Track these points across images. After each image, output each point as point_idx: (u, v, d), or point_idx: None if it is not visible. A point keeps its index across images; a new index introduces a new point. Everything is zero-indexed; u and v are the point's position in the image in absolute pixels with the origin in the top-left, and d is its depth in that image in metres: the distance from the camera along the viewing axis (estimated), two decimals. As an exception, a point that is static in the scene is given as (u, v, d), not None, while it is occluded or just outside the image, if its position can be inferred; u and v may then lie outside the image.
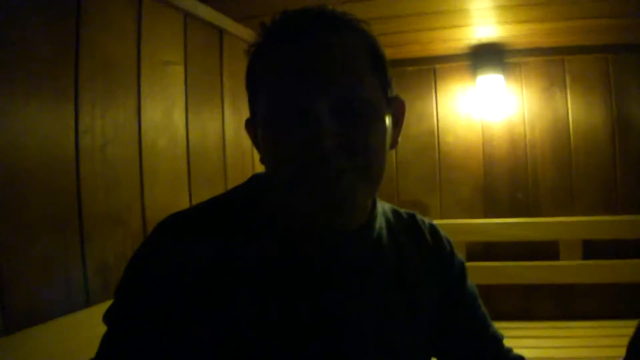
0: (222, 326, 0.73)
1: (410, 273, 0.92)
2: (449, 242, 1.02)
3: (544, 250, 3.21)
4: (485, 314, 1.03)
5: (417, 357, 0.91)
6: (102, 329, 1.44)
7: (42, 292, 1.37)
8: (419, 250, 0.96)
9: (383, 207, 0.97)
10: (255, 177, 0.91)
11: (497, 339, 1.02)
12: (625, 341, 2.94)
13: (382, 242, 0.90)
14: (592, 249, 3.15)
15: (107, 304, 1.49)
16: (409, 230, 0.98)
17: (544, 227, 3.20)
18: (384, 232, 0.92)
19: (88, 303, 1.50)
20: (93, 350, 1.43)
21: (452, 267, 1.00)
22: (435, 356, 1.02)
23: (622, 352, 2.70)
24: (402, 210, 1.02)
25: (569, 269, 3.13)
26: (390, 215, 0.98)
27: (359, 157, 0.73)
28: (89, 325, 1.44)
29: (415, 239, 0.97)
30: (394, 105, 0.84)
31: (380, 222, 0.91)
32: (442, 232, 1.03)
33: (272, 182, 0.81)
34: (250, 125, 0.86)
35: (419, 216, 1.02)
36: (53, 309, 1.39)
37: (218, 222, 0.79)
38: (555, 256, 3.18)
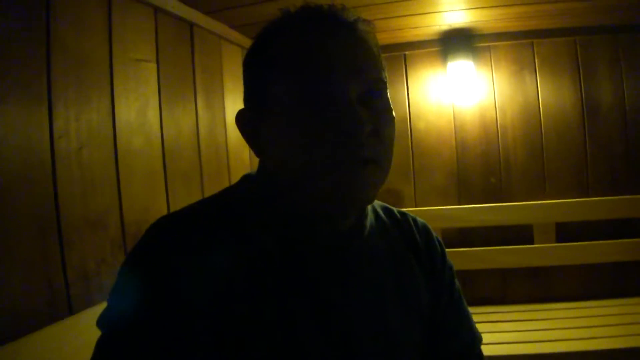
0: (220, 327, 0.72)
1: (402, 271, 0.93)
2: (440, 244, 1.03)
3: (518, 234, 3.26)
4: (469, 315, 1.03)
5: (412, 353, 0.91)
6: (87, 337, 1.41)
7: (24, 303, 1.33)
8: (411, 249, 0.97)
9: (374, 204, 0.98)
10: (247, 178, 0.90)
11: (477, 340, 1.02)
12: (599, 321, 3.02)
13: (374, 239, 0.91)
14: (565, 232, 3.21)
15: (90, 311, 1.47)
16: (402, 229, 0.98)
17: (518, 212, 3.24)
18: (376, 229, 0.93)
19: (71, 311, 1.46)
20: (79, 360, 1.40)
21: (444, 270, 1.00)
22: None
23: (596, 332, 2.77)
24: (395, 209, 1.03)
25: (543, 252, 3.18)
26: (381, 212, 0.99)
27: (382, 149, 0.76)
28: (74, 334, 1.42)
29: (407, 239, 0.98)
30: None
31: (370, 220, 0.92)
32: (434, 234, 1.03)
33: (279, 173, 0.80)
34: (244, 117, 0.84)
35: (411, 216, 1.03)
36: (36, 319, 1.35)
37: (213, 223, 0.77)
38: (529, 240, 3.23)
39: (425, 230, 1.02)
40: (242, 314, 0.73)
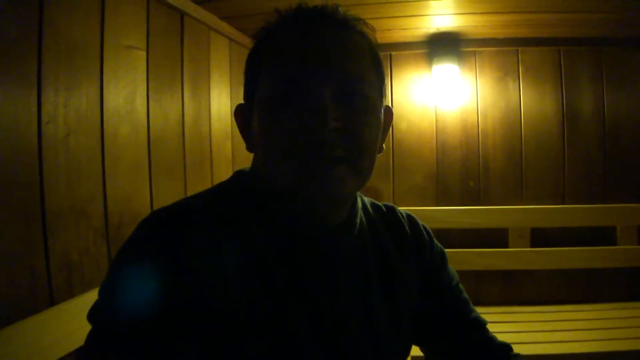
0: (215, 323, 0.72)
1: (391, 266, 0.95)
2: (427, 231, 1.06)
3: (494, 237, 3.31)
4: (466, 299, 1.07)
5: (398, 346, 0.94)
6: (68, 328, 1.40)
7: (5, 293, 1.29)
8: (400, 242, 0.99)
9: (363, 201, 1.00)
10: (239, 173, 0.91)
11: (480, 324, 1.05)
12: (570, 325, 3.06)
13: (363, 237, 0.93)
14: (540, 237, 3.27)
15: (72, 303, 1.45)
16: (390, 223, 1.01)
17: (494, 215, 3.29)
18: (365, 226, 0.95)
19: (52, 302, 1.43)
20: (59, 351, 1.38)
21: (432, 255, 1.04)
22: (420, 343, 1.07)
23: (566, 335, 2.82)
24: (381, 204, 1.05)
25: (517, 256, 3.23)
26: (370, 209, 1.01)
27: (354, 148, 0.76)
28: (55, 325, 1.39)
29: (395, 232, 1.00)
30: (385, 112, 0.88)
31: (360, 217, 0.94)
32: (420, 222, 1.07)
33: (262, 167, 0.82)
34: (242, 112, 0.87)
35: (398, 209, 1.06)
36: (17, 310, 1.32)
37: (205, 218, 0.77)
38: (504, 243, 3.28)
39: (410, 219, 1.05)
40: (235, 311, 0.73)
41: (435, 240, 1.06)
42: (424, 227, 1.06)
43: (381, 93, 0.85)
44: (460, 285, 1.07)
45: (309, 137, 0.73)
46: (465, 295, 1.07)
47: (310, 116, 0.72)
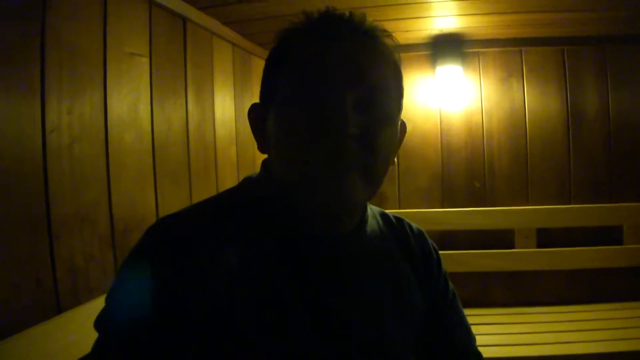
0: (220, 329, 0.72)
1: (398, 279, 0.95)
2: (435, 250, 1.05)
3: (500, 238, 3.30)
4: (464, 316, 1.07)
5: (405, 355, 0.94)
6: (75, 336, 1.40)
7: (12, 301, 1.30)
8: (407, 256, 0.99)
9: (372, 210, 0.99)
10: (247, 179, 0.91)
11: (474, 339, 1.06)
12: (577, 325, 3.04)
13: (373, 246, 0.92)
14: (546, 237, 3.26)
15: (78, 310, 1.45)
16: (397, 236, 1.00)
17: (500, 216, 3.28)
18: (374, 235, 0.94)
19: (59, 309, 1.44)
20: (65, 359, 1.38)
21: (439, 277, 1.03)
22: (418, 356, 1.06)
23: (574, 336, 2.80)
24: (391, 215, 1.04)
25: (523, 257, 3.23)
26: (379, 219, 1.01)
27: (369, 157, 0.76)
28: (62, 333, 1.40)
29: (402, 246, 1.00)
30: (400, 126, 0.89)
31: (371, 226, 0.94)
32: (430, 240, 1.06)
33: (276, 169, 0.82)
34: (256, 111, 0.86)
35: (407, 222, 1.05)
36: (24, 318, 1.32)
37: (213, 224, 0.78)
38: (510, 244, 3.27)
39: (421, 236, 1.04)
40: (242, 317, 0.73)
41: (442, 264, 1.06)
42: (433, 245, 1.05)
43: (399, 107, 0.86)
44: (460, 306, 1.07)
45: (327, 142, 0.72)
46: (466, 321, 1.07)
47: (329, 122, 0.72)
